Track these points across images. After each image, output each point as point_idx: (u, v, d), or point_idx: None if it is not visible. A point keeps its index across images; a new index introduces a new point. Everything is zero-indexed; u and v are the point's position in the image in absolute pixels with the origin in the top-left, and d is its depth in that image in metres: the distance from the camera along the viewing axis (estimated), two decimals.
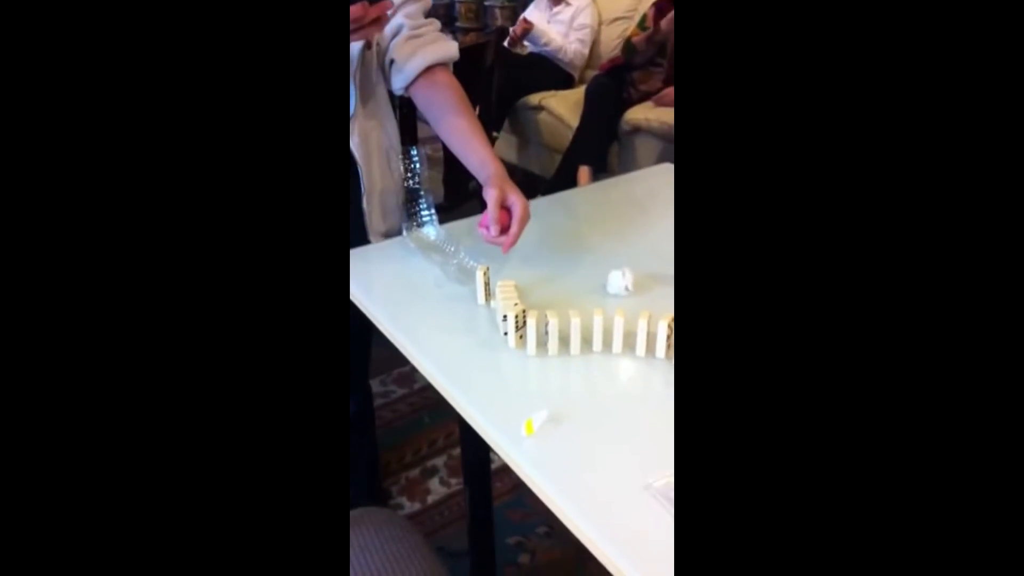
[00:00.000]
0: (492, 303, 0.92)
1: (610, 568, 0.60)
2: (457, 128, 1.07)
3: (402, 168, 1.14)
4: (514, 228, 0.93)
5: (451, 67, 1.15)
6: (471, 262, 0.99)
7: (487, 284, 0.93)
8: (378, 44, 1.09)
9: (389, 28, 1.08)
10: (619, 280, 0.94)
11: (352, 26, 0.88)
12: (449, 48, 1.12)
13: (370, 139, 1.12)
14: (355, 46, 1.04)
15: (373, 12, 0.90)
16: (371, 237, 1.15)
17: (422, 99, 1.12)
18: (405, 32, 1.09)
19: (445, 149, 3.32)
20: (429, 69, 1.10)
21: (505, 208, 0.95)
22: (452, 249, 1.03)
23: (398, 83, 1.12)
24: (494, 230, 0.93)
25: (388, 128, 1.17)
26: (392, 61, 1.10)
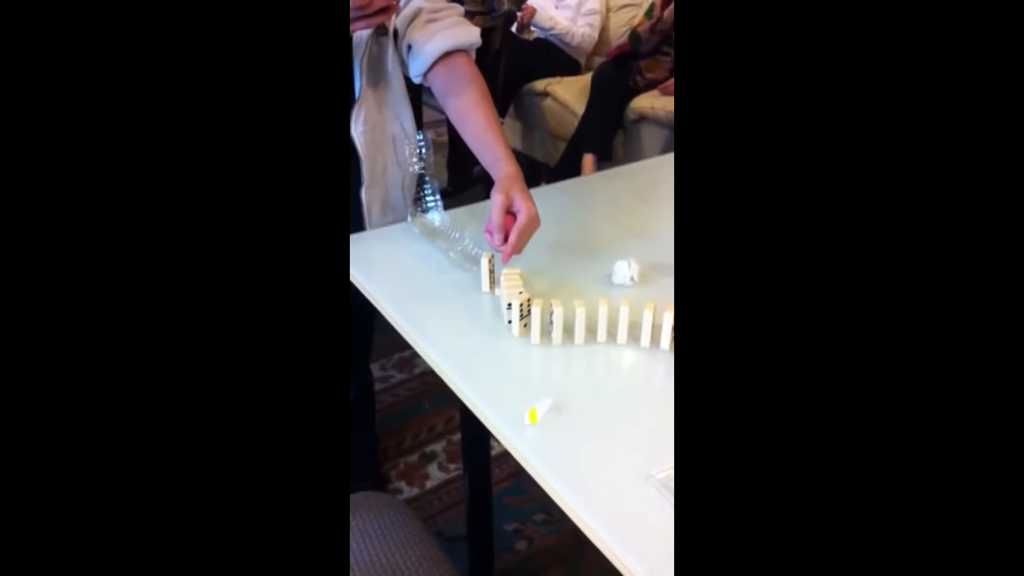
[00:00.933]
0: (496, 291, 0.92)
1: (609, 557, 0.60)
2: (474, 121, 1.02)
3: (407, 153, 1.13)
4: (512, 238, 0.88)
5: (473, 54, 1.08)
6: (476, 249, 0.99)
7: (492, 272, 0.93)
8: (395, 30, 1.05)
9: (407, 12, 1.04)
10: (624, 270, 0.93)
11: (358, 13, 0.86)
12: (469, 33, 1.06)
13: (378, 130, 1.09)
14: (362, 33, 1.00)
15: (380, 1, 0.88)
16: (369, 229, 1.13)
17: (440, 87, 1.06)
18: (423, 16, 1.04)
19: (450, 133, 3.27)
20: (448, 55, 1.04)
21: (511, 214, 0.90)
22: (456, 236, 1.03)
23: (415, 69, 1.06)
24: (497, 238, 0.89)
25: (404, 121, 1.12)
26: (410, 47, 1.05)
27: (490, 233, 0.90)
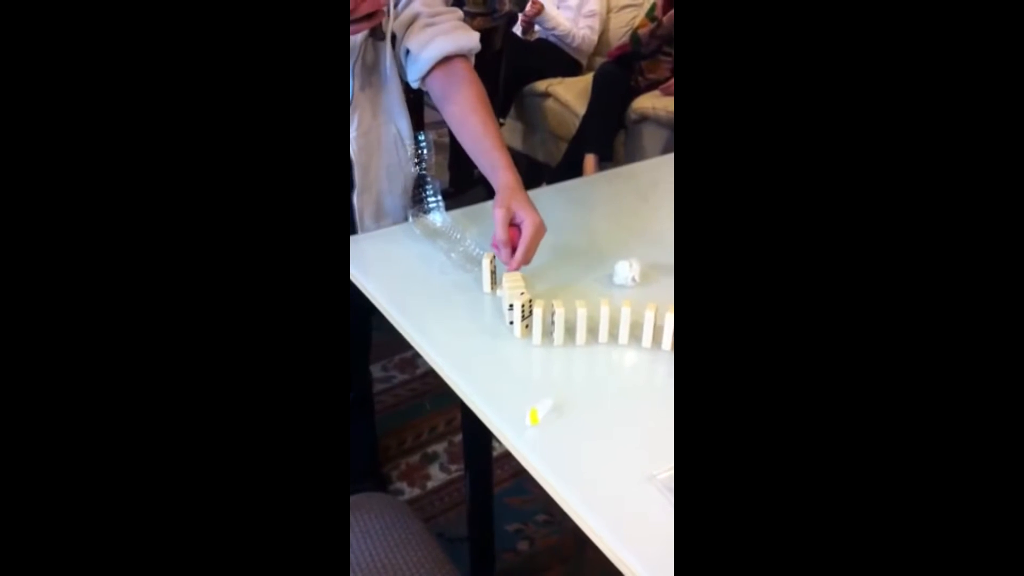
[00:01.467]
0: (498, 291, 0.92)
1: (611, 557, 0.60)
2: (472, 125, 1.01)
3: (409, 155, 1.12)
4: (520, 250, 0.88)
5: (472, 59, 1.07)
6: (477, 249, 0.99)
7: (493, 272, 0.93)
8: (393, 35, 1.05)
9: (405, 17, 1.03)
10: (626, 271, 0.93)
11: None
12: (468, 38, 1.05)
13: (371, 135, 1.08)
14: (356, 37, 1.00)
15: (366, 7, 0.86)
16: (361, 234, 1.12)
17: (437, 91, 1.05)
18: (421, 20, 1.04)
19: (451, 133, 3.29)
20: (446, 60, 1.04)
21: (515, 225, 0.90)
22: (458, 236, 1.03)
23: (413, 74, 1.06)
24: (504, 253, 0.89)
25: (401, 126, 1.11)
26: (408, 52, 1.05)
27: (497, 248, 0.90)
